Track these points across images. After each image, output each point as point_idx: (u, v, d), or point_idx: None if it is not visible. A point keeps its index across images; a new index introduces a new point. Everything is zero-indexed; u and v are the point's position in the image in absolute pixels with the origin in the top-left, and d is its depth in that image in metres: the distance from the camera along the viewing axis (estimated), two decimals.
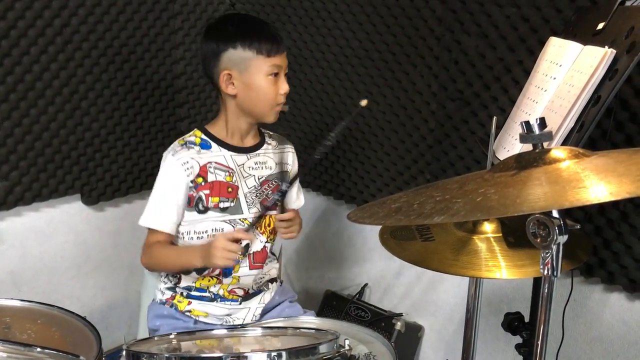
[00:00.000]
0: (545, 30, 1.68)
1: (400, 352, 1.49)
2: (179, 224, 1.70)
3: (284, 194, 1.71)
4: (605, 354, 1.86)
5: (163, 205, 1.67)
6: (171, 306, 1.74)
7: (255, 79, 1.63)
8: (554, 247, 1.00)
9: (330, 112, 2.30)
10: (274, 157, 1.80)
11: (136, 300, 1.91)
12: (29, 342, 1.24)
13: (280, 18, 2.33)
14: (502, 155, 1.42)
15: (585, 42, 1.31)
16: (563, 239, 0.99)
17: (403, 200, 1.12)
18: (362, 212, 1.18)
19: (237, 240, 1.57)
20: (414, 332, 2.30)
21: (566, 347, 1.85)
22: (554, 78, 1.35)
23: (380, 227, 1.49)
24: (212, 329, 1.62)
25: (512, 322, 1.51)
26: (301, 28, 2.27)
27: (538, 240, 1.01)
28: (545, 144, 1.08)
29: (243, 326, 1.68)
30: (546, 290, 1.07)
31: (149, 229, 1.70)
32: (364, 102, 1.70)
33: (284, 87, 1.66)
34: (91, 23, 2.08)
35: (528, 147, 1.10)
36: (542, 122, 1.08)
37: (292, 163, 1.85)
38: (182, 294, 1.74)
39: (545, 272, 1.03)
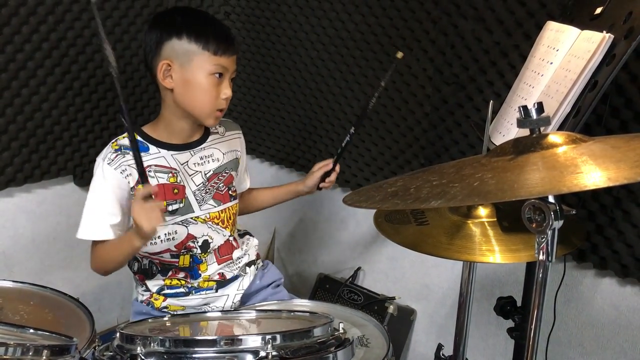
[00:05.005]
0: (542, 14, 1.67)
1: (393, 336, 1.50)
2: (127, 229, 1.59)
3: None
4: (596, 338, 1.87)
5: (106, 215, 1.55)
6: (148, 304, 1.71)
7: (196, 75, 1.52)
8: (549, 233, 1.00)
9: (325, 95, 2.29)
10: (221, 147, 1.72)
11: (129, 282, 1.90)
12: (21, 323, 1.23)
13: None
14: (498, 140, 1.42)
15: (582, 26, 1.30)
16: (559, 224, 1.00)
17: (400, 184, 1.11)
18: (358, 195, 1.18)
19: (149, 196, 1.39)
20: (406, 316, 2.31)
21: (557, 331, 1.86)
22: (551, 63, 1.35)
23: (374, 211, 1.49)
24: (206, 312, 1.62)
25: (504, 306, 1.52)
26: (296, 9, 2.25)
27: (533, 226, 1.01)
28: (542, 129, 1.08)
29: (237, 309, 1.68)
30: (540, 276, 1.08)
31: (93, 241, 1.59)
32: (399, 55, 1.68)
33: (226, 91, 1.56)
34: (84, 2, 2.06)
35: (524, 132, 1.10)
36: (540, 107, 1.08)
37: (241, 149, 1.79)
38: (158, 292, 1.70)
39: (540, 257, 1.03)
